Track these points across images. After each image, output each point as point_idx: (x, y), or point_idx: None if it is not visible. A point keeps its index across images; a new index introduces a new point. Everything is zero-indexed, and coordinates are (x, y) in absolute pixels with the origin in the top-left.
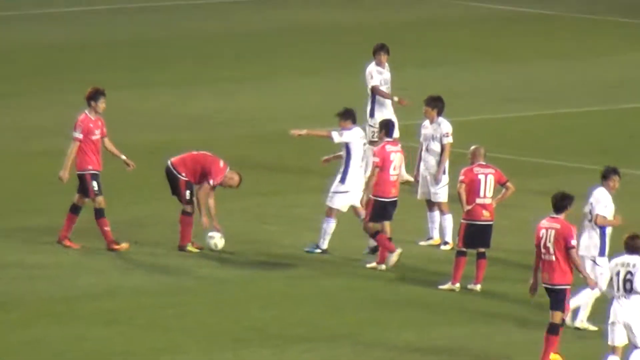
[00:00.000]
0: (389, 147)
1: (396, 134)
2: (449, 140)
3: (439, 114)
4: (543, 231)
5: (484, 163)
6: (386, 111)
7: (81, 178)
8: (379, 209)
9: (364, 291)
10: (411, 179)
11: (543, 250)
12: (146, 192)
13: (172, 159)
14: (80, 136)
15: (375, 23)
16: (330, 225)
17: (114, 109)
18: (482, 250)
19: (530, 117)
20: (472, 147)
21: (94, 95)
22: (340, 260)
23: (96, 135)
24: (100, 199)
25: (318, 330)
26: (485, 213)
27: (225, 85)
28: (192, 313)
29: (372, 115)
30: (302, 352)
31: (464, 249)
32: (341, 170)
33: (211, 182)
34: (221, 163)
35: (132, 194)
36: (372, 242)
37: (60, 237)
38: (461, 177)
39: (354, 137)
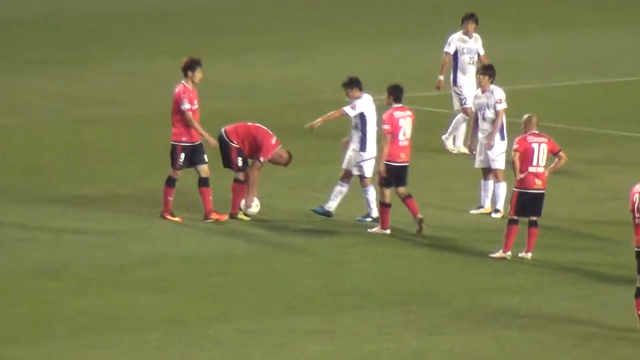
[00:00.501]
0: (397, 113)
1: (469, 103)
2: (502, 106)
3: (492, 81)
4: (636, 195)
5: (537, 132)
6: (468, 77)
7: (173, 148)
8: (390, 174)
9: (415, 259)
10: (466, 150)
11: (637, 215)
12: None
13: (226, 127)
14: (189, 106)
15: None
16: (374, 192)
17: (170, 76)
18: (533, 218)
19: (579, 85)
20: (525, 116)
21: (191, 65)
22: (390, 228)
23: (195, 106)
24: (204, 167)
25: (369, 298)
26: (538, 182)
27: (284, 53)
28: (242, 281)
29: (454, 82)
30: (353, 320)
31: (516, 217)
32: (358, 139)
33: (262, 159)
34: (273, 139)
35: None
36: (375, 213)
37: (163, 211)
38: (515, 146)
39: (366, 104)
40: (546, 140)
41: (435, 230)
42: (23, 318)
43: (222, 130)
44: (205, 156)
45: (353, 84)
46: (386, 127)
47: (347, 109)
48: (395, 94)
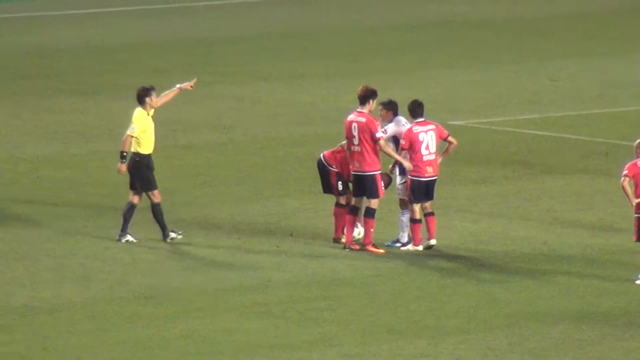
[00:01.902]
0: (416, 128)
1: None
2: None
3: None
4: None
5: None
6: None
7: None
8: (417, 189)
9: (518, 282)
10: None
11: None
12: (300, 185)
13: (324, 152)
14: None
15: (525, 15)
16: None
17: (266, 100)
18: None
19: None
20: (638, 141)
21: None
22: (495, 249)
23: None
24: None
25: (473, 321)
26: None
27: (377, 77)
28: (346, 305)
29: None
30: (458, 344)
31: None
32: (395, 162)
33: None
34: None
35: (285, 187)
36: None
37: (364, 242)
38: (625, 172)
39: (399, 127)
40: None
41: (540, 253)
42: (122, 343)
43: (321, 155)
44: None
45: (390, 106)
46: (402, 142)
47: (382, 135)
48: (415, 109)
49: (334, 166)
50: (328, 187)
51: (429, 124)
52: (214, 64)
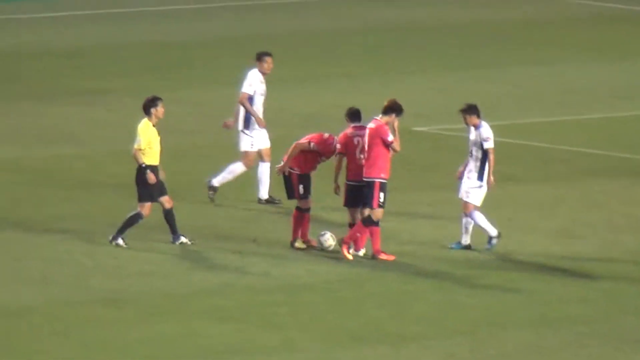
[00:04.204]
0: (351, 132)
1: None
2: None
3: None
4: None
5: None
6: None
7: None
8: (352, 194)
9: (481, 288)
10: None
11: None
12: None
13: (284, 157)
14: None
15: (487, 21)
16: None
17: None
18: None
19: None
20: None
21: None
22: (459, 255)
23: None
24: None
25: (435, 327)
26: None
27: (343, 82)
28: (308, 310)
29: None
30: (420, 349)
31: None
32: (477, 168)
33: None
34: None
35: (249, 192)
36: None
37: (374, 251)
38: None
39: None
40: None
41: (502, 260)
42: (83, 347)
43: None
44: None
45: (472, 111)
46: (338, 146)
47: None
48: (351, 115)
49: (295, 168)
50: (291, 192)
51: (364, 128)
52: (174, 68)
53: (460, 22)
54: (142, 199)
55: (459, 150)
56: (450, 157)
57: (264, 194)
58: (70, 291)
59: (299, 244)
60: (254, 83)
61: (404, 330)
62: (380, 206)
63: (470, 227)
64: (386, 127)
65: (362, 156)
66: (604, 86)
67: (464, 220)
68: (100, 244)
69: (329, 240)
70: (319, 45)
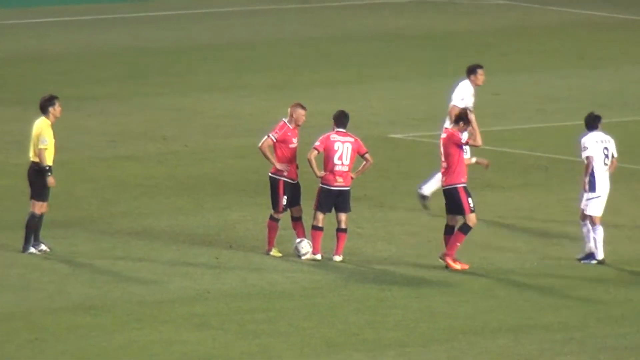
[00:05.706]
0: (333, 137)
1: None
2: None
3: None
4: None
5: None
6: None
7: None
8: (324, 198)
9: (459, 296)
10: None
11: None
12: (240, 197)
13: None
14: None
15: (466, 29)
16: (601, 233)
17: (206, 111)
18: None
19: (626, 122)
20: None
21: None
22: (436, 263)
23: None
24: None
25: (412, 334)
26: None
27: (323, 90)
28: (285, 317)
29: None
30: (397, 357)
31: None
32: (588, 177)
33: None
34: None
35: (225, 199)
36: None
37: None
38: None
39: (591, 142)
40: None
41: (479, 267)
42: (61, 354)
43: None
44: None
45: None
46: (316, 143)
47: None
48: (337, 119)
49: (284, 173)
50: (275, 201)
51: (348, 136)
52: (154, 74)
53: (439, 30)
54: (38, 197)
55: (437, 157)
56: (426, 164)
57: (426, 190)
58: (48, 298)
59: (274, 252)
60: (466, 97)
61: (381, 337)
62: (472, 211)
63: (600, 240)
64: (457, 133)
65: (340, 162)
66: (584, 94)
67: (591, 234)
68: (79, 252)
69: (306, 247)
70: (298, 52)
